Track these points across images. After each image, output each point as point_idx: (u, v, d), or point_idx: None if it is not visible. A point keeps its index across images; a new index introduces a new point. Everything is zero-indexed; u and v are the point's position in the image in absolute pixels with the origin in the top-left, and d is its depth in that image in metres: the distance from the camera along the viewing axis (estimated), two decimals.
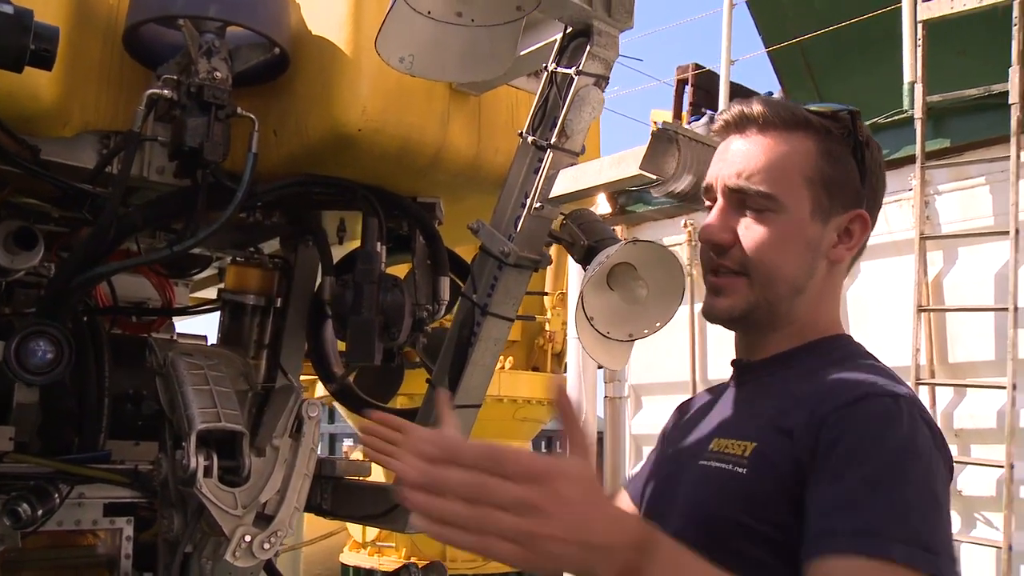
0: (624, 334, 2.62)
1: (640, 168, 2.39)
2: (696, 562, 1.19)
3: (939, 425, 1.45)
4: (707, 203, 1.65)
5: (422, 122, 2.93)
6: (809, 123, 1.57)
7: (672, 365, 5.67)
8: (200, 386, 2.73)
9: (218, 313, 3.70)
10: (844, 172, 1.58)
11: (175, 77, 2.82)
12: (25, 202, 3.28)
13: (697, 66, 8.58)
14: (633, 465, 5.99)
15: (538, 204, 2.63)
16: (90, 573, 3.42)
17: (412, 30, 2.54)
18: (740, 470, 1.43)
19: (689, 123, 7.35)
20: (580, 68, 2.62)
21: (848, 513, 1.28)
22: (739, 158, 1.58)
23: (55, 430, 3.37)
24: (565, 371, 6.84)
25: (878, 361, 1.57)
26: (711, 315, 1.64)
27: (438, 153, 2.98)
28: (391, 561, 7.80)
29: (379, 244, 3.00)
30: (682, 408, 1.87)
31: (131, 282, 3.99)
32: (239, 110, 2.85)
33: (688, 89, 8.42)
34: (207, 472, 2.61)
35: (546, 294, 8.13)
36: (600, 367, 5.47)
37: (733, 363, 1.72)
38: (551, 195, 2.62)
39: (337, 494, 3.26)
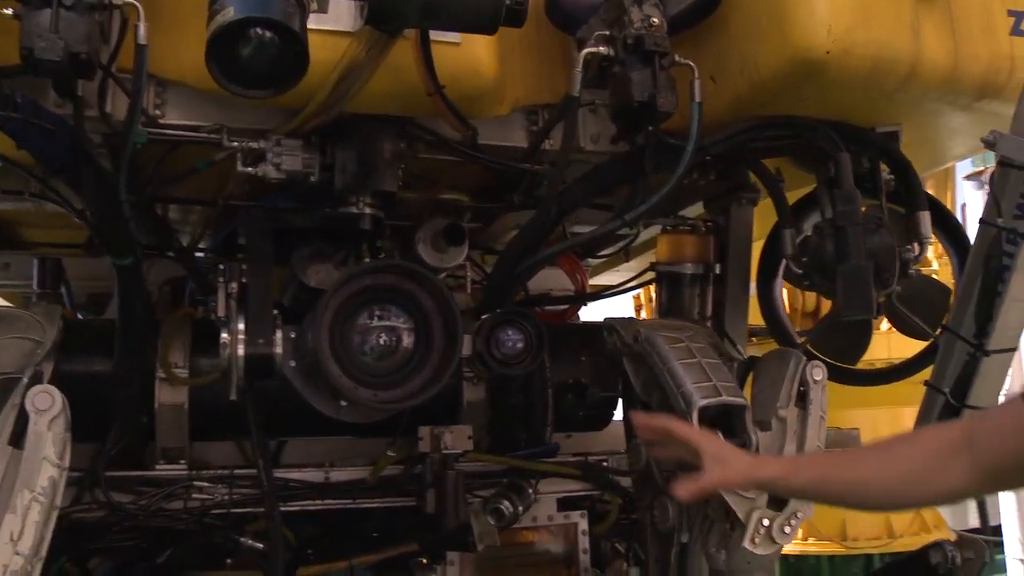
0: None
1: None
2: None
3: None
4: None
5: (892, 35, 2.52)
6: None
7: None
8: (687, 360, 2.48)
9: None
10: None
11: (607, 33, 2.60)
12: (446, 199, 3.21)
13: None
14: None
15: None
16: (549, 570, 3.30)
17: None
18: None
19: None
20: None
21: None
22: None
23: (504, 426, 3.29)
24: None
25: None
26: None
27: (912, 70, 2.55)
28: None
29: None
30: None
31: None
32: (677, 58, 2.58)
33: None
34: None
35: None
36: None
37: None
38: None
39: None
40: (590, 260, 4.15)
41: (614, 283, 4.38)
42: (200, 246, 3.38)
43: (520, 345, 2.70)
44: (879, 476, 1.82)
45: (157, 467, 2.81)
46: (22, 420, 1.94)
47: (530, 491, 2.92)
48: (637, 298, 5.96)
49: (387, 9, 2.04)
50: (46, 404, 1.93)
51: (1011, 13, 2.72)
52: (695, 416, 2.37)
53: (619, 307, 4.10)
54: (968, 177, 5.74)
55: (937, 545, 2.59)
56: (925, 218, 2.69)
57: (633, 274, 4.17)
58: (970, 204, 5.61)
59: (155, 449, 2.86)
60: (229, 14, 1.81)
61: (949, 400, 2.39)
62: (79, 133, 2.30)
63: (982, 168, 5.65)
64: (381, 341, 2.45)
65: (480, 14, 2.10)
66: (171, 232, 3.07)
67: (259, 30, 1.87)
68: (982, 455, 1.66)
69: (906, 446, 1.89)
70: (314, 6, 2.02)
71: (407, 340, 2.48)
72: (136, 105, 2.21)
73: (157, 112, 2.49)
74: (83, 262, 3.42)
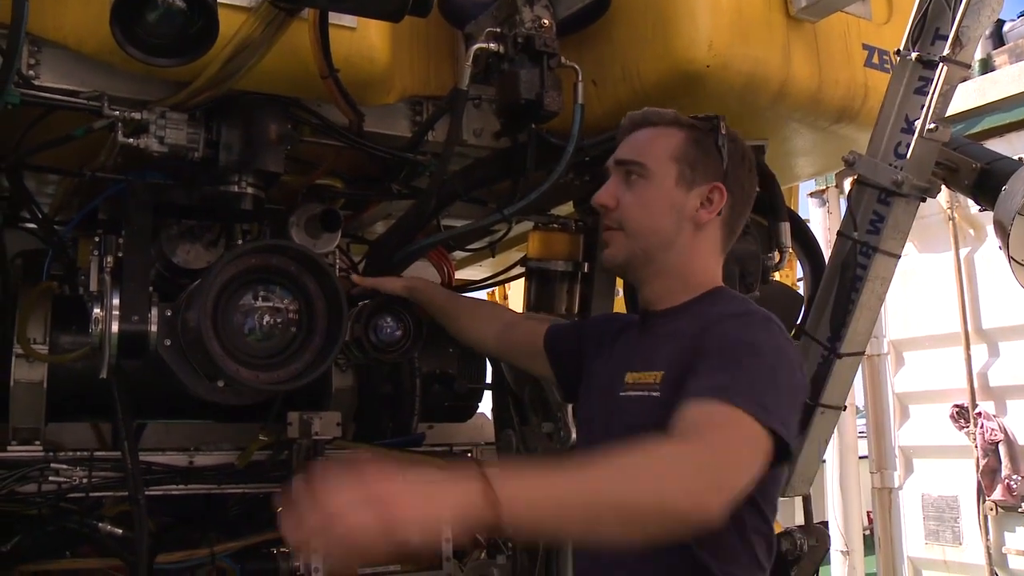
0: None
1: None
2: (534, 474, 1.47)
3: None
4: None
5: (766, 54, 2.68)
6: (680, 120, 2.05)
7: (938, 316, 5.28)
8: None
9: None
10: (706, 155, 2.00)
11: (497, 30, 2.65)
12: (321, 184, 3.18)
13: None
14: (900, 426, 5.62)
15: (931, 125, 2.36)
16: (409, 558, 3.30)
17: None
18: (655, 394, 1.83)
19: None
20: None
21: (707, 380, 1.69)
22: (627, 144, 2.08)
23: (370, 414, 3.29)
24: None
25: (746, 299, 2.01)
26: (607, 263, 2.08)
27: (781, 88, 2.72)
28: None
29: None
30: (597, 329, 2.29)
31: None
32: (563, 60, 2.67)
33: None
34: None
35: None
36: None
37: (640, 312, 2.10)
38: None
39: None
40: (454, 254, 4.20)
41: (474, 278, 4.46)
42: (57, 218, 3.24)
43: (399, 333, 2.71)
44: (455, 313, 2.70)
45: (9, 448, 2.68)
46: None
47: None
48: (491, 295, 6.05)
49: None
50: None
51: (865, 46, 2.96)
52: (569, 409, 2.45)
53: None
54: (812, 195, 6.13)
55: (786, 533, 2.77)
56: (786, 228, 2.87)
57: (493, 270, 4.25)
58: (813, 220, 5.99)
59: (6, 430, 2.72)
60: None
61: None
62: None
63: (824, 187, 6.04)
64: (264, 322, 2.41)
65: (388, 0, 2.11)
66: (31, 201, 2.91)
67: None
68: (502, 335, 2.55)
69: (480, 304, 2.98)
70: None
71: (290, 322, 2.46)
72: (11, 63, 2.10)
73: (31, 73, 2.37)
74: None
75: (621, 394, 1.91)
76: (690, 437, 1.59)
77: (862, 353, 2.57)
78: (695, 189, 1.98)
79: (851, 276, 2.49)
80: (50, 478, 2.63)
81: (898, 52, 2.48)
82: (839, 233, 2.56)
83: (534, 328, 2.45)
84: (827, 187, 6.04)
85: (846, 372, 2.55)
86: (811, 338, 2.60)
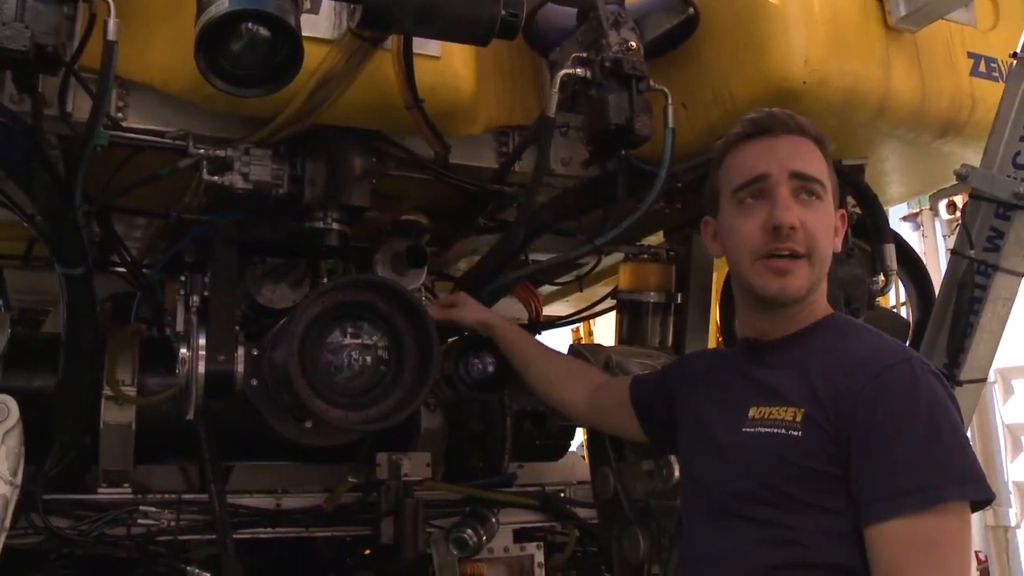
0: None
1: None
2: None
3: None
4: (748, 199, 1.83)
5: (864, 68, 2.56)
6: (821, 138, 1.86)
7: None
8: None
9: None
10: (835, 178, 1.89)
11: (584, 55, 2.58)
12: (406, 219, 3.13)
13: None
14: (1013, 459, 5.33)
15: None
16: None
17: None
18: (795, 433, 1.70)
19: None
20: None
21: (886, 481, 1.59)
22: (793, 152, 1.82)
23: (460, 454, 3.21)
24: None
25: (873, 330, 1.83)
26: (783, 297, 1.80)
27: (882, 103, 2.60)
28: None
29: None
30: (683, 372, 2.16)
31: None
32: (652, 83, 2.57)
33: None
34: None
35: None
36: None
37: (744, 343, 1.95)
38: None
39: None
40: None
41: (558, 314, 4.36)
42: (144, 261, 3.25)
43: (491, 370, 2.62)
44: (538, 366, 2.51)
45: (99, 490, 2.66)
46: None
47: (494, 520, 2.84)
48: (576, 331, 5.96)
49: (381, 13, 1.97)
50: (2, 415, 1.78)
51: (970, 55, 2.81)
52: None
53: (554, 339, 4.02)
54: (905, 218, 5.92)
55: None
56: (890, 250, 2.72)
57: (576, 306, 4.16)
58: None
59: (96, 472, 2.70)
60: (223, 6, 1.72)
61: None
62: (37, 132, 2.17)
63: (918, 210, 5.83)
64: (353, 360, 2.35)
65: (475, 24, 2.04)
66: (120, 245, 2.91)
67: (252, 25, 1.79)
68: (592, 398, 2.39)
69: (570, 362, 2.61)
70: (307, 5, 1.94)
71: (379, 359, 2.39)
72: (100, 105, 2.09)
73: (120, 115, 2.37)
74: (15, 275, 3.24)
75: (747, 430, 1.77)
76: None
77: (984, 380, 2.41)
78: (837, 213, 1.87)
79: (968, 298, 2.33)
80: (139, 521, 2.60)
81: (1014, 55, 2.34)
82: (953, 251, 2.41)
83: (619, 385, 2.33)
84: (921, 209, 5.83)
85: (967, 401, 2.38)
86: None
